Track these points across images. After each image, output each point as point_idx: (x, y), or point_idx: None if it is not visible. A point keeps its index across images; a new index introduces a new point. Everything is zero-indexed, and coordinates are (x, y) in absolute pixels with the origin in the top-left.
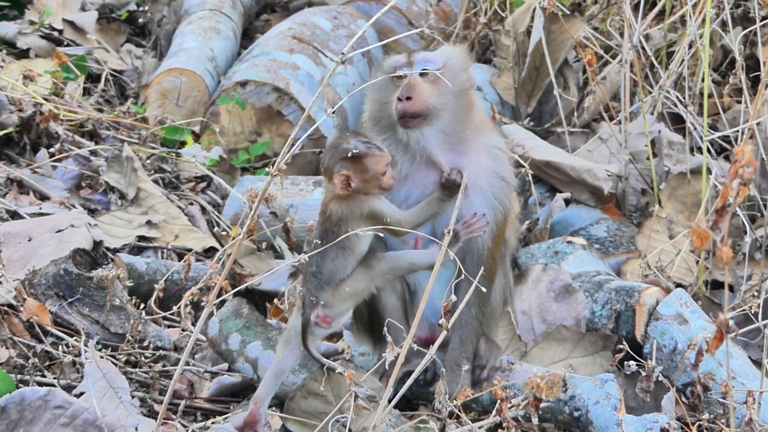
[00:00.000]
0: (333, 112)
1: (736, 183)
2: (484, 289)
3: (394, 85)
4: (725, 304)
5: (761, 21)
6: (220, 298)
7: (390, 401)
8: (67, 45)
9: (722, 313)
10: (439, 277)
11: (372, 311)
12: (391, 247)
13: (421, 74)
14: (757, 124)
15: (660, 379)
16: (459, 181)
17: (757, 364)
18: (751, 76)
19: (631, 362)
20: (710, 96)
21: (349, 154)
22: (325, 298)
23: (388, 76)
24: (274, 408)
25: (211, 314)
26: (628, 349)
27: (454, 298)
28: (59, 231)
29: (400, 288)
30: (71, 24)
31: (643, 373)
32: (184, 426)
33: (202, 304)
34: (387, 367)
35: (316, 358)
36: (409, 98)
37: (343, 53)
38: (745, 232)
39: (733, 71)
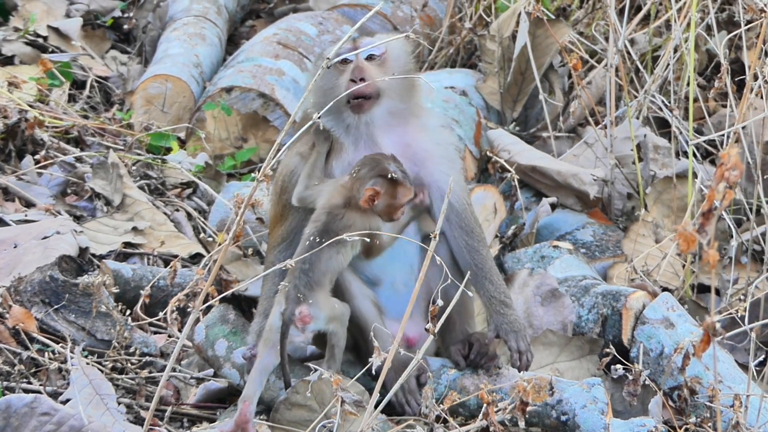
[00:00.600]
0: (319, 117)
1: (722, 186)
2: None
3: (338, 71)
4: (712, 307)
5: (746, 25)
6: (206, 304)
7: (377, 406)
8: (52, 52)
9: (709, 316)
10: (401, 258)
11: (351, 322)
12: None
13: (367, 59)
14: (743, 128)
15: (647, 382)
16: (426, 203)
17: (744, 367)
18: (736, 80)
19: (618, 366)
20: (696, 100)
21: (389, 175)
22: (313, 297)
23: (335, 62)
24: (261, 417)
25: (197, 320)
26: (615, 353)
27: (440, 302)
28: (45, 238)
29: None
30: (56, 31)
31: (630, 377)
32: None
33: (189, 310)
34: (374, 371)
35: (284, 362)
36: (362, 80)
37: (328, 58)
38: (732, 236)
39: (719, 75)
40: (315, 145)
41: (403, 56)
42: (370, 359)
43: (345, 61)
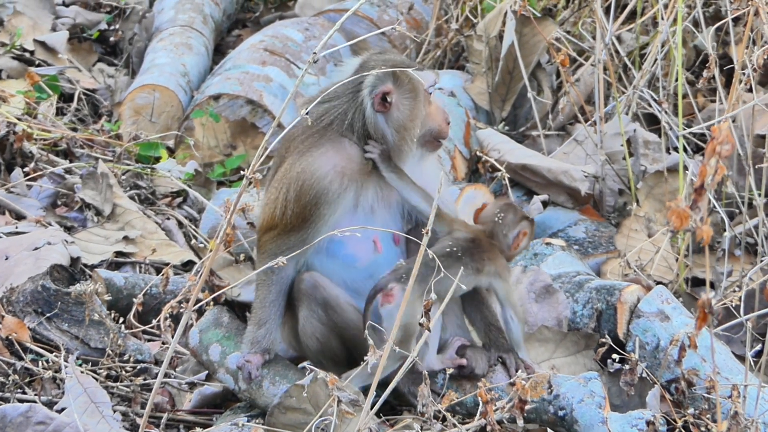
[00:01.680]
0: (307, 113)
1: (714, 161)
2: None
3: (426, 102)
4: (707, 283)
5: (733, 19)
6: (198, 305)
7: (373, 406)
8: (39, 65)
9: (704, 293)
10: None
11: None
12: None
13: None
14: (733, 121)
15: (644, 375)
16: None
17: (741, 359)
18: (725, 69)
19: (615, 356)
20: (685, 96)
21: (530, 218)
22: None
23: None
24: (257, 420)
25: (190, 324)
26: (612, 344)
27: (434, 296)
28: (36, 249)
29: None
30: (42, 44)
31: (626, 367)
32: None
33: (182, 312)
34: (369, 370)
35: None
36: (449, 122)
37: (314, 53)
38: (725, 229)
39: (707, 65)
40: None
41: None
42: (365, 358)
43: (431, 93)
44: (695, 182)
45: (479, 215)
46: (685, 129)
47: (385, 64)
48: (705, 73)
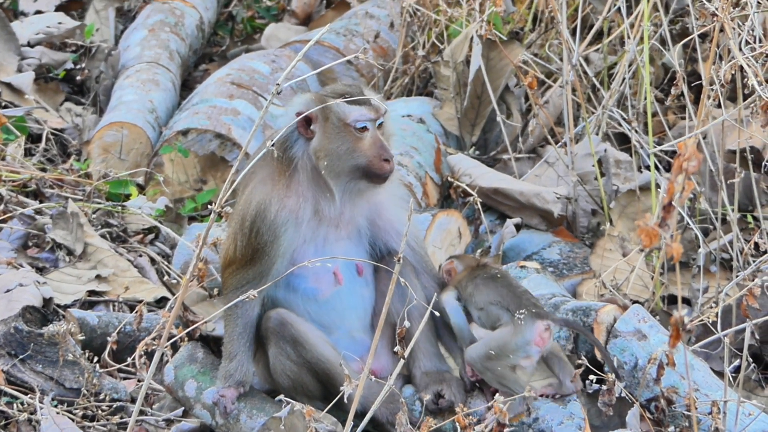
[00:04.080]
0: (272, 145)
1: (681, 177)
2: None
3: (354, 138)
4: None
5: (700, 37)
6: (172, 340)
7: None
8: (6, 107)
9: (677, 311)
10: (356, 305)
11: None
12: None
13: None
14: (704, 137)
15: (623, 395)
16: None
17: (720, 375)
18: (693, 85)
19: (592, 377)
20: (655, 114)
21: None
22: None
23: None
24: None
25: (163, 359)
26: (588, 364)
27: (407, 324)
28: (8, 291)
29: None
30: (8, 86)
31: (605, 387)
32: None
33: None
34: (345, 400)
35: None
36: (386, 160)
37: (278, 84)
38: (699, 246)
39: (675, 82)
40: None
41: (391, 117)
42: (341, 388)
43: (365, 128)
44: (663, 199)
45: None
46: (655, 147)
47: (333, 92)
48: (673, 90)
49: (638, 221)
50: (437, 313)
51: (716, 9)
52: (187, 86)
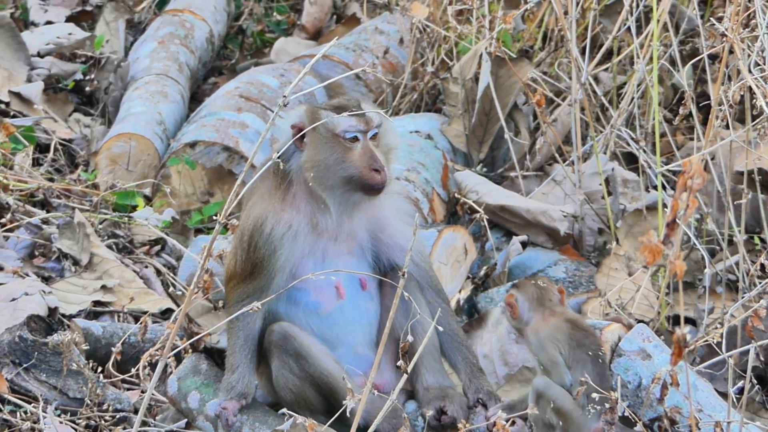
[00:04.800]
0: (279, 157)
1: (686, 195)
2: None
3: (344, 148)
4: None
5: (710, 58)
6: (175, 351)
7: None
8: (14, 116)
9: (679, 329)
10: (360, 319)
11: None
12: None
13: (371, 138)
14: (712, 158)
15: (626, 414)
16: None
17: (724, 396)
18: (701, 106)
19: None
20: (663, 135)
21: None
22: None
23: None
24: None
25: (167, 371)
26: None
27: (411, 338)
28: (13, 300)
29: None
30: (18, 95)
31: (607, 406)
32: None
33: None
34: (348, 414)
35: None
36: (376, 171)
37: (284, 96)
38: (705, 267)
39: (683, 102)
40: None
41: (392, 130)
42: (344, 402)
43: (355, 138)
44: (667, 216)
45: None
46: (663, 164)
47: (328, 105)
48: (681, 110)
49: (642, 238)
50: (440, 328)
51: (726, 29)
52: (195, 99)
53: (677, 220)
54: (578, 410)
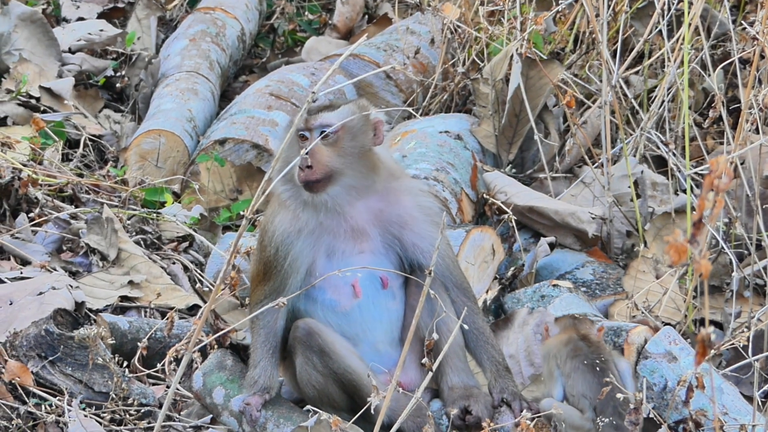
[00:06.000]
0: (306, 153)
1: (712, 194)
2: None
3: (298, 146)
4: (706, 317)
5: (741, 62)
6: (200, 345)
7: None
8: (45, 112)
9: (704, 328)
10: (380, 317)
11: (340, 382)
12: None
13: (323, 136)
14: (742, 163)
15: (651, 416)
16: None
17: (749, 399)
18: (732, 109)
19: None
20: (694, 139)
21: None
22: None
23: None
24: None
25: (193, 367)
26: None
27: (436, 336)
28: (40, 293)
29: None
30: (48, 91)
31: (632, 406)
32: None
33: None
34: (372, 411)
35: None
36: (309, 167)
37: (313, 92)
38: (733, 270)
39: (713, 105)
40: None
41: (360, 133)
42: (369, 399)
43: (303, 136)
44: (693, 216)
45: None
46: (692, 167)
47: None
48: (711, 113)
49: (668, 237)
50: (466, 327)
51: (757, 33)
52: (226, 97)
53: (703, 220)
54: (588, 423)
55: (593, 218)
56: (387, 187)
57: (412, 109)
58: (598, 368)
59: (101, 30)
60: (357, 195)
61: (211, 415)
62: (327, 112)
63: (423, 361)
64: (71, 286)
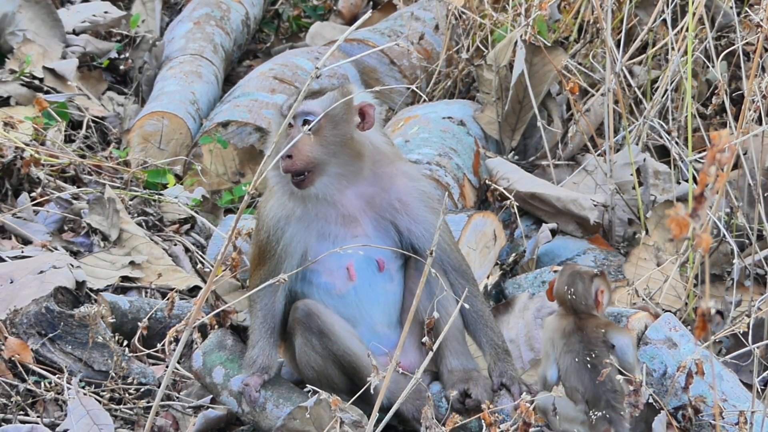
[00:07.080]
0: (309, 130)
1: (714, 168)
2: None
3: (285, 134)
4: (706, 293)
5: (745, 53)
6: (198, 322)
7: (375, 428)
8: (48, 92)
9: (703, 301)
10: (377, 300)
11: (339, 363)
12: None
13: (304, 123)
14: (744, 153)
15: (651, 401)
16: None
17: (749, 386)
18: (734, 99)
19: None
20: (696, 130)
21: (597, 272)
22: None
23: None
24: None
25: (193, 347)
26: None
27: (436, 315)
28: (41, 272)
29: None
30: (52, 72)
31: (631, 388)
32: None
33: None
34: (372, 391)
35: None
36: (290, 156)
37: (317, 68)
38: (734, 259)
39: (716, 91)
40: None
41: (342, 121)
42: (368, 379)
43: (290, 124)
44: (695, 190)
45: (552, 295)
46: (694, 155)
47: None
48: (714, 100)
49: (669, 211)
50: (467, 306)
51: (761, 20)
52: (229, 81)
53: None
54: (581, 415)
55: (595, 205)
56: (379, 172)
57: (414, 86)
58: (590, 365)
59: (105, 12)
60: (347, 182)
61: (210, 396)
62: (310, 99)
63: (423, 340)
64: (72, 266)
